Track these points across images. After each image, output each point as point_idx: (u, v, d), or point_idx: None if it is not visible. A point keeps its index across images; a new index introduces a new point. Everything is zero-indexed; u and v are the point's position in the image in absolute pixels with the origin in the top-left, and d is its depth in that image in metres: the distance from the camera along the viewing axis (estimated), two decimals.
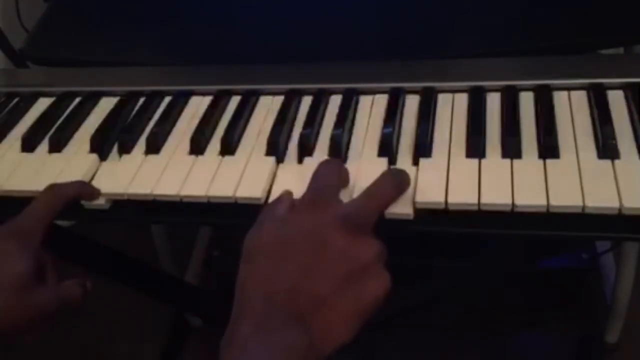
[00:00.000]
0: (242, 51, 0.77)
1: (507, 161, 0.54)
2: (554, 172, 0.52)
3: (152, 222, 1.18)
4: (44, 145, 0.66)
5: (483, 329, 1.21)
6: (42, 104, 0.73)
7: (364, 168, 0.56)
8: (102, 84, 0.73)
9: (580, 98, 0.61)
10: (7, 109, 0.73)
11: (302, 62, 0.71)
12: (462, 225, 0.52)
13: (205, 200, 0.57)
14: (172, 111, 0.67)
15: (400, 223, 0.52)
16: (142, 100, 0.70)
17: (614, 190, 0.50)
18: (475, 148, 0.56)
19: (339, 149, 0.59)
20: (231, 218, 0.57)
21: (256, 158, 0.60)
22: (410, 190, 0.52)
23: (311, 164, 0.56)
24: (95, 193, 0.58)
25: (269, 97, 0.68)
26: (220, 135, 0.63)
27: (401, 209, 0.51)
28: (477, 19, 0.75)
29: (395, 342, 1.20)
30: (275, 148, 0.60)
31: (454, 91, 0.64)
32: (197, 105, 0.68)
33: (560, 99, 0.61)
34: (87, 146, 0.64)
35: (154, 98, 0.70)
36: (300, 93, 0.67)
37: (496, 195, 0.51)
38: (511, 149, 0.55)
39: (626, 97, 0.60)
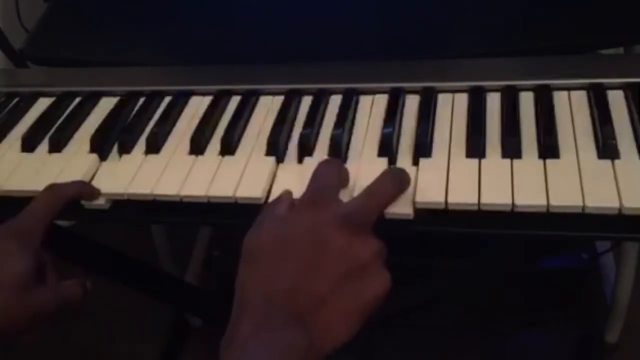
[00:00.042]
0: (242, 51, 0.77)
1: (507, 161, 0.54)
2: (554, 172, 0.52)
3: (152, 222, 1.18)
4: (44, 145, 0.66)
5: (483, 329, 1.21)
6: (42, 104, 0.73)
7: (364, 168, 0.56)
8: (102, 84, 0.73)
9: (580, 98, 0.61)
10: (7, 109, 0.73)
11: (302, 62, 0.71)
12: (462, 225, 0.52)
13: (205, 200, 0.57)
14: (172, 111, 0.67)
15: (400, 223, 0.52)
16: (142, 100, 0.70)
17: (614, 190, 0.50)
18: (475, 148, 0.56)
19: (339, 149, 0.59)
20: (231, 218, 0.57)
21: (256, 158, 0.60)
22: (410, 190, 0.52)
23: (311, 163, 0.56)
24: (95, 193, 0.58)
25: (269, 97, 0.68)
26: (220, 135, 0.63)
27: (401, 209, 0.51)
28: (477, 19, 0.75)
29: (395, 342, 1.20)
30: (275, 148, 0.60)
31: (454, 91, 0.64)
32: (197, 105, 0.68)
33: (560, 99, 0.61)
34: (87, 146, 0.64)
35: (154, 98, 0.70)
36: (300, 93, 0.67)
37: (496, 195, 0.51)
38: (511, 149, 0.55)
39: (626, 97, 0.60)
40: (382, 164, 0.57)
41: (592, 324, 1.20)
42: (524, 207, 0.50)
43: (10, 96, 0.75)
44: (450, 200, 0.51)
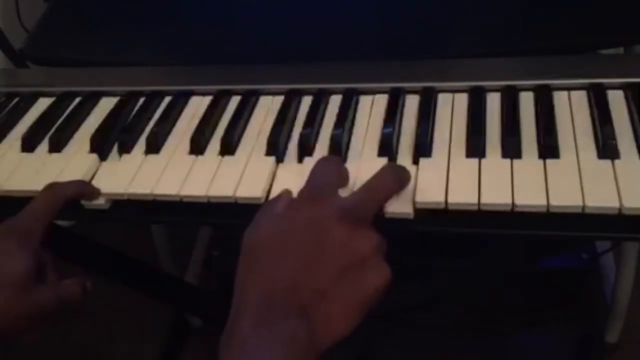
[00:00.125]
0: (242, 51, 0.77)
1: (507, 161, 0.54)
2: (554, 172, 0.52)
3: (152, 222, 1.18)
4: (44, 145, 0.66)
5: (483, 329, 1.21)
6: (42, 104, 0.73)
7: (364, 168, 0.56)
8: (102, 84, 0.73)
9: (580, 98, 0.61)
10: (7, 109, 0.73)
11: (302, 62, 0.71)
12: (462, 225, 0.52)
13: (205, 200, 0.57)
14: (172, 111, 0.67)
15: (400, 223, 0.52)
16: (142, 100, 0.70)
17: (614, 190, 0.50)
18: (475, 148, 0.56)
19: (339, 149, 0.59)
20: (231, 218, 0.57)
21: (256, 158, 0.60)
22: (410, 190, 0.52)
23: (311, 163, 0.55)
24: (95, 192, 0.58)
25: (269, 97, 0.68)
26: (220, 135, 0.63)
27: (401, 208, 0.51)
28: (477, 19, 0.75)
29: (395, 342, 1.20)
30: (275, 148, 0.60)
31: (454, 91, 0.64)
32: (197, 105, 0.68)
33: (560, 99, 0.61)
34: (87, 146, 0.64)
35: (154, 98, 0.70)
36: (300, 93, 0.67)
37: (496, 195, 0.51)
38: (511, 149, 0.55)
39: (626, 97, 0.60)
40: (382, 164, 0.56)
41: (592, 324, 1.20)
42: (524, 207, 0.50)
43: (10, 96, 0.75)
44: (450, 200, 0.51)
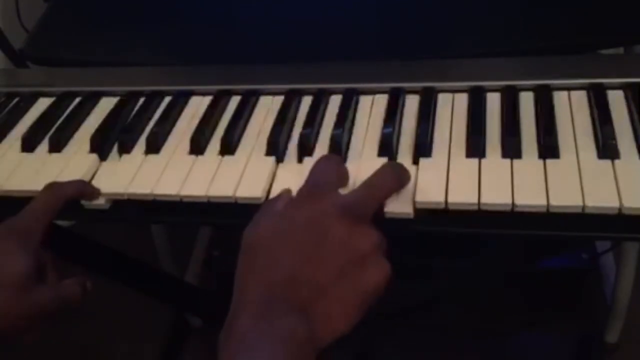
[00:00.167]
0: (242, 51, 0.77)
1: (507, 161, 0.54)
2: (554, 172, 0.52)
3: (152, 222, 1.18)
4: (44, 145, 0.66)
5: (483, 329, 1.21)
6: (42, 104, 0.73)
7: (364, 168, 0.56)
8: (102, 84, 0.73)
9: (580, 98, 0.61)
10: (7, 109, 0.73)
11: (302, 62, 0.71)
12: (462, 225, 0.52)
13: (205, 200, 0.57)
14: (172, 111, 0.67)
15: (400, 223, 0.52)
16: (142, 100, 0.70)
17: (614, 190, 0.50)
18: (475, 148, 0.56)
19: (339, 149, 0.59)
20: (231, 218, 0.57)
21: (256, 158, 0.60)
22: (410, 190, 0.52)
23: (311, 163, 0.55)
24: (95, 192, 0.58)
25: (269, 97, 0.68)
26: (220, 135, 0.63)
27: (401, 208, 0.51)
28: (477, 19, 0.75)
29: (395, 342, 1.20)
30: (275, 148, 0.60)
31: (454, 91, 0.64)
32: (197, 105, 0.68)
33: (560, 99, 0.61)
34: (87, 146, 0.64)
35: (154, 98, 0.70)
36: (300, 93, 0.67)
37: (496, 195, 0.51)
38: (511, 149, 0.55)
39: (626, 97, 0.60)
40: (382, 164, 0.56)
41: (592, 324, 1.20)
42: (524, 207, 0.50)
43: (10, 96, 0.75)
44: (450, 200, 0.51)
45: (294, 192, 0.53)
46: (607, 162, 0.53)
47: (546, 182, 0.51)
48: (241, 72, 0.71)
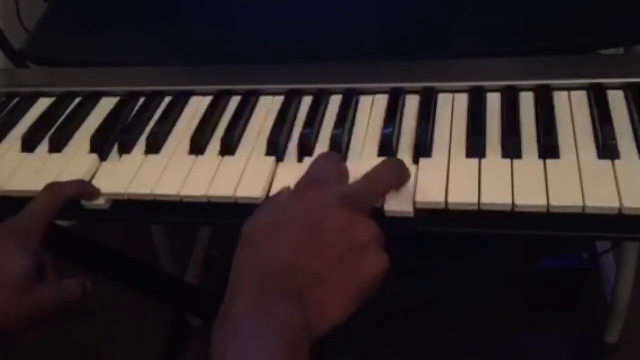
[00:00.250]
0: (242, 51, 0.77)
1: (507, 161, 0.54)
2: (554, 172, 0.52)
3: (152, 222, 1.18)
4: (44, 145, 0.66)
5: (483, 329, 1.21)
6: (42, 104, 0.73)
7: (364, 168, 0.55)
8: (102, 84, 0.73)
9: (580, 98, 0.61)
10: (7, 109, 0.73)
11: (302, 62, 0.71)
12: (462, 225, 0.52)
13: (205, 200, 0.57)
14: (172, 111, 0.67)
15: (400, 222, 0.52)
16: (142, 100, 0.70)
17: (614, 190, 0.50)
18: (475, 148, 0.56)
19: (339, 149, 0.59)
20: (231, 218, 0.57)
21: (256, 158, 0.60)
22: (410, 189, 0.52)
23: None
24: (95, 192, 0.58)
25: (269, 97, 0.68)
26: (220, 135, 0.63)
27: (401, 206, 0.51)
28: (477, 19, 0.75)
29: (395, 342, 1.20)
30: (275, 148, 0.60)
31: (454, 91, 0.64)
32: (197, 105, 0.68)
33: (560, 99, 0.61)
34: (87, 146, 0.64)
35: (154, 98, 0.70)
36: (300, 93, 0.67)
37: (496, 195, 0.51)
38: (511, 149, 0.55)
39: (626, 97, 0.60)
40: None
41: (592, 324, 1.20)
42: (524, 207, 0.50)
43: (10, 96, 0.75)
44: (450, 200, 0.51)
45: None
46: (607, 162, 0.53)
47: (546, 182, 0.51)
48: (241, 72, 0.71)
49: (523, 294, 1.22)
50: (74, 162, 0.62)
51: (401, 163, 0.53)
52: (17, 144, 0.67)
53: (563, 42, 0.71)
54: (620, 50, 0.83)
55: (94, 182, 0.60)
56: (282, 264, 0.43)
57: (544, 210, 0.50)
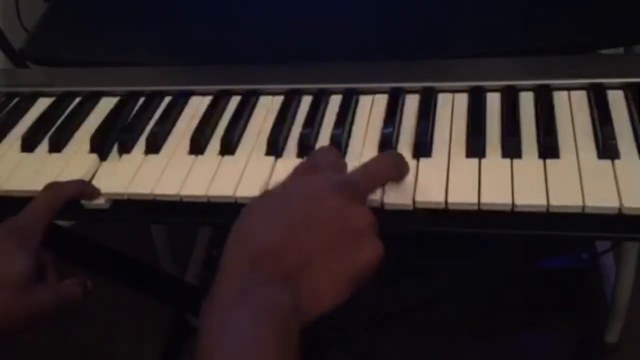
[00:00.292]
0: (242, 51, 0.77)
1: (507, 161, 0.54)
2: (554, 172, 0.52)
3: (152, 222, 1.18)
4: (44, 145, 0.66)
5: (483, 329, 1.21)
6: (42, 104, 0.73)
7: None
8: (102, 84, 0.73)
9: (580, 98, 0.61)
10: (7, 109, 0.73)
11: (302, 62, 0.71)
12: (462, 225, 0.52)
13: (205, 200, 0.57)
14: (172, 111, 0.67)
15: (400, 219, 0.52)
16: (142, 100, 0.70)
17: (614, 190, 0.50)
18: (475, 148, 0.56)
19: (339, 149, 0.59)
20: (231, 218, 0.57)
21: (256, 158, 0.60)
22: (409, 185, 0.52)
23: None
24: (95, 192, 0.58)
25: (269, 97, 0.68)
26: (220, 135, 0.63)
27: (401, 199, 0.51)
28: (477, 19, 0.75)
29: (395, 342, 1.20)
30: (275, 148, 0.60)
31: (454, 91, 0.64)
32: (197, 105, 0.68)
33: (560, 99, 0.61)
34: (87, 146, 0.64)
35: (154, 98, 0.70)
36: (300, 93, 0.67)
37: (496, 195, 0.51)
38: (511, 149, 0.55)
39: (626, 97, 0.60)
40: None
41: (592, 324, 1.20)
42: (524, 207, 0.50)
43: (10, 96, 0.75)
44: (450, 200, 0.51)
45: None
46: (607, 162, 0.53)
47: (546, 182, 0.51)
48: (241, 72, 0.71)
49: (523, 294, 1.22)
50: (74, 162, 0.62)
51: (400, 156, 0.53)
52: (17, 144, 0.67)
53: (563, 42, 0.71)
54: (620, 50, 0.83)
55: (94, 182, 0.60)
56: (271, 244, 0.42)
57: (544, 210, 0.50)
